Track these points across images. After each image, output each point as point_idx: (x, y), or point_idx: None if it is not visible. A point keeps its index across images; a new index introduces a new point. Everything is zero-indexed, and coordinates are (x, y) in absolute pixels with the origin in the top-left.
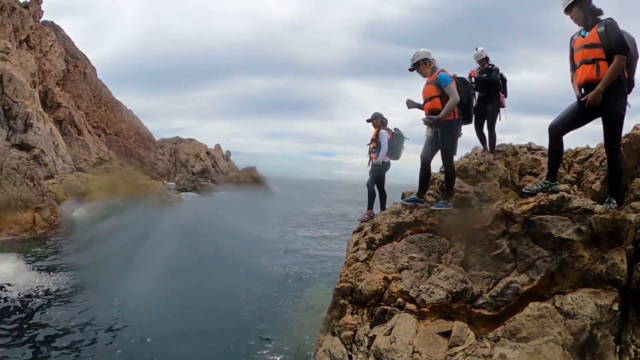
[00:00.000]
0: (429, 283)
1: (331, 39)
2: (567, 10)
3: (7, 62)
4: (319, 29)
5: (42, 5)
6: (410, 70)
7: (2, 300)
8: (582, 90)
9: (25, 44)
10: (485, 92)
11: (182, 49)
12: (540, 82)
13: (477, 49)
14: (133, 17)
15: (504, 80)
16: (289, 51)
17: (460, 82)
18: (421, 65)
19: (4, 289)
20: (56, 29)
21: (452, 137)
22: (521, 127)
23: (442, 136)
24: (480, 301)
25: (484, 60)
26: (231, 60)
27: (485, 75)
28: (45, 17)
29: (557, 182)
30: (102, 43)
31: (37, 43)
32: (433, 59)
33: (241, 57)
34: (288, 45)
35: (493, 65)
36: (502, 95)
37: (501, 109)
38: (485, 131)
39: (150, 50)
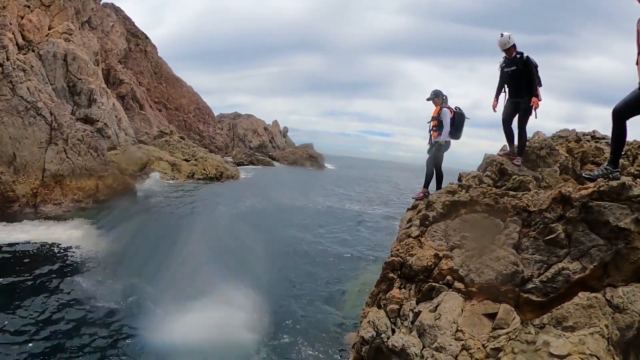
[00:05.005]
0: (480, 263)
1: (391, 18)
2: None
3: (71, 42)
4: (379, 7)
5: None
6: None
7: (71, 261)
8: None
9: (87, 25)
10: (519, 86)
11: (240, 27)
12: (612, 69)
13: (502, 35)
14: None
15: (536, 67)
16: (347, 29)
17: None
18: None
19: (73, 250)
20: (117, 10)
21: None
22: (587, 117)
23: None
24: (530, 286)
25: (512, 49)
26: (289, 38)
27: (514, 67)
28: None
29: (619, 170)
30: (162, 23)
31: (99, 24)
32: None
33: (299, 34)
34: (346, 23)
35: (522, 54)
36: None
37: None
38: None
39: (209, 29)
